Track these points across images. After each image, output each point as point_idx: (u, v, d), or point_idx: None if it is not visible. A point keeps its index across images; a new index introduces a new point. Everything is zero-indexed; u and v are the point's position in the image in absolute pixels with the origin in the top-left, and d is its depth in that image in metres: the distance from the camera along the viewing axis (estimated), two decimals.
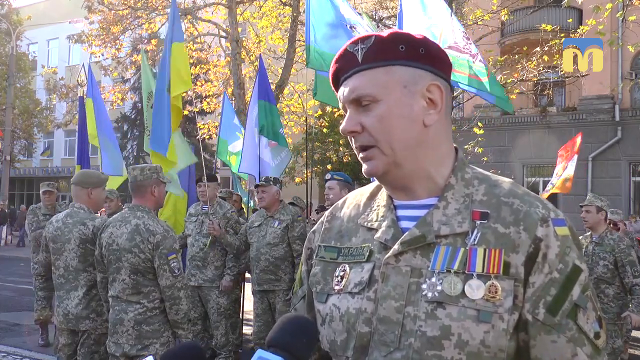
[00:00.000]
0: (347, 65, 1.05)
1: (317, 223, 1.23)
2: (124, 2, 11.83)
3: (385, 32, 1.04)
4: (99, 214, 4.26)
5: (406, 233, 1.01)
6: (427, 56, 1.03)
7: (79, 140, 7.14)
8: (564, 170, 7.61)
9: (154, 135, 5.08)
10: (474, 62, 4.01)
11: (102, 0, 12.43)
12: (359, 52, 1.03)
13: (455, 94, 10.12)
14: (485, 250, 0.95)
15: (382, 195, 1.12)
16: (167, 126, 4.94)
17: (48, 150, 33.26)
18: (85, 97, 7.03)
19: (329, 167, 15.74)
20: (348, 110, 1.06)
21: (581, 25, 10.77)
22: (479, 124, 10.81)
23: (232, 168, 7.05)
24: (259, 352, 0.95)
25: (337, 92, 1.11)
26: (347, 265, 1.07)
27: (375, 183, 1.17)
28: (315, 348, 1.13)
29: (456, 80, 4.10)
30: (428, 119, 1.03)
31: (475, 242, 0.96)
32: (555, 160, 8.17)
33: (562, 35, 10.23)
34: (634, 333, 7.45)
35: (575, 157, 7.48)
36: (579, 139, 7.68)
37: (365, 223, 1.10)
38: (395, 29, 1.06)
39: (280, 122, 6.41)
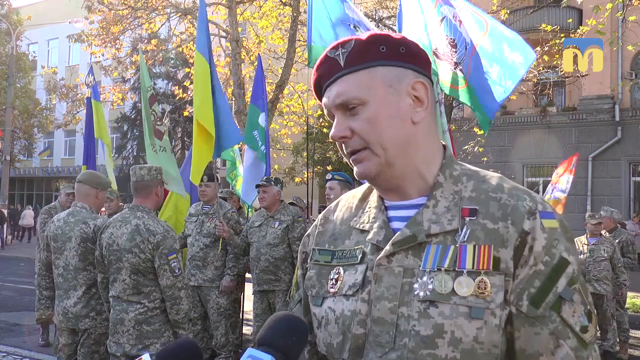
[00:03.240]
0: (329, 71, 1.05)
1: (311, 227, 1.24)
2: (124, 2, 11.82)
3: (363, 35, 1.05)
4: (99, 215, 4.26)
5: (397, 233, 1.02)
6: (407, 54, 1.04)
7: (85, 140, 7.15)
8: (557, 186, 7.80)
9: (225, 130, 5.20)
10: (453, 70, 3.99)
11: (102, 0, 12.43)
12: (341, 57, 1.03)
13: None
14: (475, 246, 0.95)
15: (373, 196, 1.12)
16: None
17: (48, 150, 33.26)
18: (92, 98, 7.04)
19: (329, 167, 15.75)
20: (335, 117, 1.06)
21: (581, 25, 10.77)
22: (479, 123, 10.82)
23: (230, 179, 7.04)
24: (249, 351, 0.96)
25: (320, 100, 1.10)
26: (341, 268, 1.07)
27: (366, 185, 1.17)
28: (308, 355, 1.15)
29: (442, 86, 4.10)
30: (416, 117, 1.03)
31: (465, 239, 0.97)
32: (555, 167, 8.25)
33: (562, 35, 10.23)
34: (634, 333, 7.46)
35: (571, 177, 7.70)
36: (575, 159, 7.89)
37: (358, 225, 1.10)
38: (376, 31, 1.06)
39: (263, 134, 6.10)
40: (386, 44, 1.03)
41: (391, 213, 1.07)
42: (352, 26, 4.55)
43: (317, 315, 1.09)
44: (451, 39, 3.98)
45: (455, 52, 3.96)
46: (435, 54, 3.99)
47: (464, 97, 3.94)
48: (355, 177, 1.07)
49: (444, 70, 3.99)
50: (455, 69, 3.94)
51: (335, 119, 1.06)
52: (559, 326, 0.92)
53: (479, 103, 3.89)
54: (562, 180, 7.64)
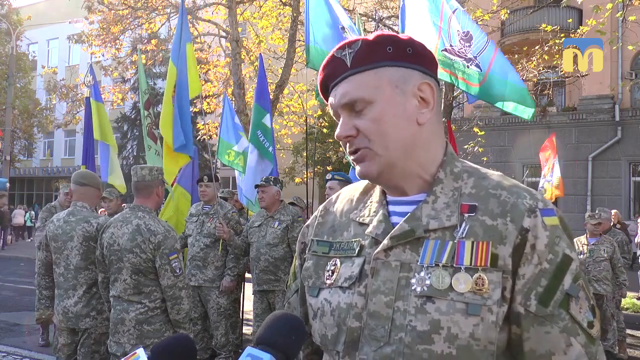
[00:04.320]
0: (335, 71, 1.05)
1: (311, 217, 1.24)
2: (124, 2, 11.83)
3: (370, 36, 1.05)
4: (99, 214, 4.26)
5: (395, 227, 1.02)
6: (414, 55, 1.04)
7: (85, 140, 7.16)
8: (551, 173, 7.89)
9: (177, 136, 5.18)
10: (468, 66, 3.96)
11: (102, 0, 12.43)
12: (348, 57, 1.04)
13: (455, 94, 10.11)
14: (473, 243, 0.96)
15: (376, 191, 1.13)
16: (188, 128, 5.16)
17: (49, 152, 33.29)
18: (91, 98, 7.05)
19: (329, 167, 15.74)
20: (341, 116, 1.06)
21: (581, 25, 10.76)
22: (479, 122, 10.83)
23: (237, 168, 6.95)
24: (248, 350, 0.96)
25: (326, 99, 1.10)
26: (337, 260, 1.08)
27: None
28: (303, 345, 1.15)
29: (449, 81, 4.11)
30: (421, 118, 1.03)
31: (464, 235, 0.97)
32: (540, 160, 8.39)
33: (562, 35, 10.22)
34: (635, 333, 7.46)
35: (556, 158, 7.88)
36: (554, 139, 8.05)
37: (358, 218, 1.10)
38: (383, 31, 1.05)
39: (269, 134, 6.13)
40: (393, 44, 1.03)
41: (391, 208, 1.08)
42: (340, 27, 4.57)
43: (312, 306, 1.10)
44: (464, 32, 3.95)
45: (470, 46, 3.92)
46: (447, 50, 3.97)
47: (484, 94, 3.91)
48: (357, 176, 1.07)
49: (458, 67, 3.98)
50: (470, 65, 3.91)
51: (341, 119, 1.06)
52: (569, 324, 0.93)
53: (517, 91, 3.84)
54: (555, 168, 7.76)
